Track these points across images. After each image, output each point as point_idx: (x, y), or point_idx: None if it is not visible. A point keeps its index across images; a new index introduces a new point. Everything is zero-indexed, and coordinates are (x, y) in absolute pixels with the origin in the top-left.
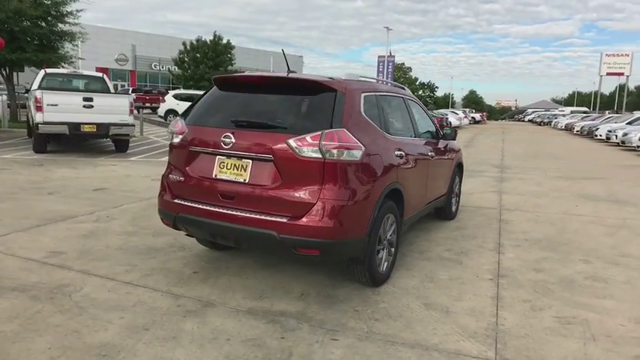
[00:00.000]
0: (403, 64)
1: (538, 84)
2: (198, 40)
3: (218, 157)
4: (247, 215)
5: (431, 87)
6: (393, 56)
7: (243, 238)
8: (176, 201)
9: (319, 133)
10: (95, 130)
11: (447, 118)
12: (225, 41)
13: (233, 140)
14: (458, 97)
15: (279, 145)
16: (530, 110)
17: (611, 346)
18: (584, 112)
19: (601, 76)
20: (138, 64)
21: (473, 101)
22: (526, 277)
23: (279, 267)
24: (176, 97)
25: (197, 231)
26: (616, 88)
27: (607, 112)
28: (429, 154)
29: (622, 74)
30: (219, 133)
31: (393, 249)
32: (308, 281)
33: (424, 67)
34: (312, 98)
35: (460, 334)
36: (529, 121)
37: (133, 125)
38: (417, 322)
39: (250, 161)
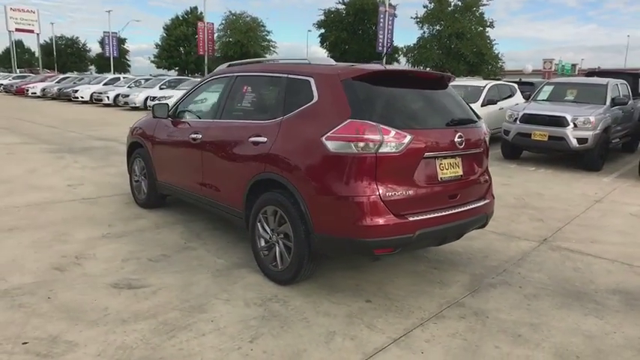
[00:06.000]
0: None
1: None
2: None
3: (437, 159)
4: (470, 207)
5: None
6: None
7: (464, 231)
8: (411, 219)
9: (482, 122)
10: None
11: None
12: None
13: (464, 139)
14: None
15: (484, 138)
16: None
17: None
18: None
19: (10, 31)
20: None
21: None
22: None
23: (344, 266)
24: None
25: (429, 243)
26: (12, 43)
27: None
28: None
29: (33, 31)
30: (450, 135)
31: None
32: (391, 268)
33: None
34: (447, 91)
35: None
36: None
37: None
38: (528, 258)
39: (460, 157)
